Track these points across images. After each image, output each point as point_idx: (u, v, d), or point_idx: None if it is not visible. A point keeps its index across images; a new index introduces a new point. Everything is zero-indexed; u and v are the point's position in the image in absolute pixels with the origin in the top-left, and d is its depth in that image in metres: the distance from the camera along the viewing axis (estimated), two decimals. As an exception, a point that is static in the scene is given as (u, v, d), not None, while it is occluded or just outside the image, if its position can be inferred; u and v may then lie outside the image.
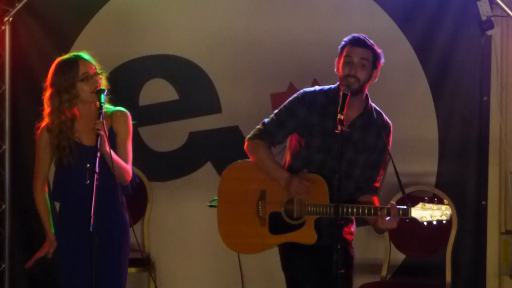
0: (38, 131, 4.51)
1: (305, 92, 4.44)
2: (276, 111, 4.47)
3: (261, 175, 4.42)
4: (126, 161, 4.46)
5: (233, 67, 5.92)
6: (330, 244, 4.19)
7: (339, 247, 3.89)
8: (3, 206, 5.95)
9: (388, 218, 4.19)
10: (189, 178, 5.98)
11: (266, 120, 4.48)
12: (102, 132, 4.24)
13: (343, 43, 4.38)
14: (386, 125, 4.43)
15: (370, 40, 4.35)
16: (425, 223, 4.19)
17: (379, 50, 4.35)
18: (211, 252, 5.93)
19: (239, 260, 5.05)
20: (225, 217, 4.49)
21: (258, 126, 4.48)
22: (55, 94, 4.42)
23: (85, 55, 4.47)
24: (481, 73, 5.68)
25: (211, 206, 4.59)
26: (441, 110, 5.75)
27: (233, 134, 5.90)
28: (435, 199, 4.26)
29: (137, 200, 5.42)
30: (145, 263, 5.44)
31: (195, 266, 5.99)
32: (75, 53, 4.48)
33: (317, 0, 5.83)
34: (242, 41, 5.88)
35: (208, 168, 5.96)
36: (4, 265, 5.96)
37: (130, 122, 4.54)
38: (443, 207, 4.20)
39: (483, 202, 5.69)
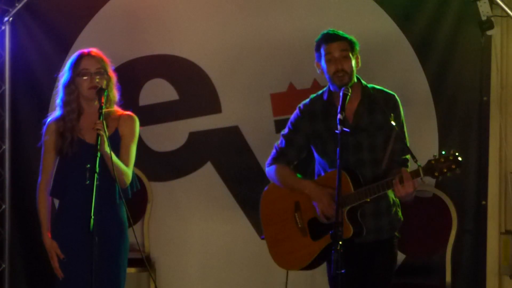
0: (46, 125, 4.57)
1: (302, 106, 4.54)
2: (282, 132, 4.58)
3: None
4: (127, 164, 4.47)
5: (233, 67, 5.91)
6: (376, 241, 4.31)
7: (339, 247, 3.88)
8: (3, 206, 5.95)
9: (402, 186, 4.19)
10: (189, 178, 5.97)
11: (276, 144, 4.59)
12: (102, 132, 4.26)
13: (316, 44, 4.45)
14: (389, 99, 4.48)
15: (339, 32, 4.42)
16: (440, 178, 4.16)
17: (350, 37, 4.43)
18: (211, 252, 5.93)
19: (287, 277, 5.03)
20: (271, 239, 4.57)
21: (272, 151, 4.59)
22: (61, 86, 4.54)
23: (94, 52, 4.54)
24: (481, 73, 5.67)
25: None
26: (441, 110, 5.75)
27: (233, 134, 5.90)
28: (448, 157, 4.15)
29: (137, 200, 5.41)
30: (145, 263, 5.42)
31: (195, 266, 5.98)
32: (88, 49, 4.57)
33: (317, 0, 5.83)
34: (242, 41, 5.87)
35: (208, 168, 5.96)
36: (4, 265, 5.95)
37: (137, 127, 4.58)
38: (451, 156, 4.13)
39: (483, 202, 5.68)
